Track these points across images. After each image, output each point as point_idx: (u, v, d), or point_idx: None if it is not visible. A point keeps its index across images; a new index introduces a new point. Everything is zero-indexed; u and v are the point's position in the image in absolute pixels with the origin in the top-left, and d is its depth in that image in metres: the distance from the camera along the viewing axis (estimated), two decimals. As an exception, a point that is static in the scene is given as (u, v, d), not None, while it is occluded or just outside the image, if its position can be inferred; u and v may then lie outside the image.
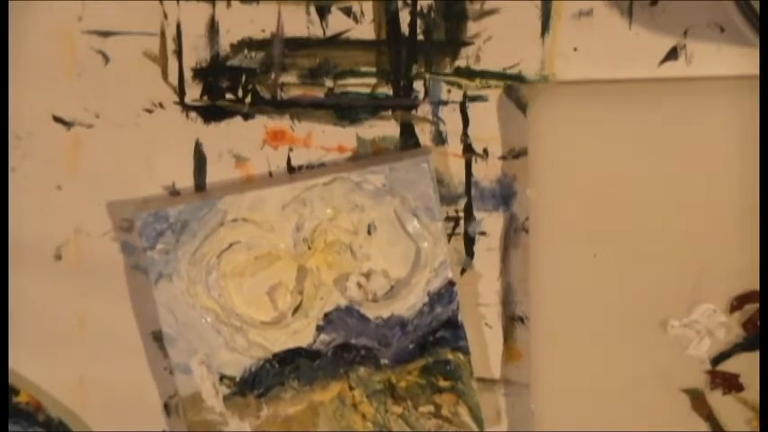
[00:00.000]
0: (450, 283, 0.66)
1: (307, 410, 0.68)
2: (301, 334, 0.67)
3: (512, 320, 0.68)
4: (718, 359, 0.65)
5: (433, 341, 0.67)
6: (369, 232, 0.67)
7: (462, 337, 0.67)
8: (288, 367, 0.67)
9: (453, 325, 0.67)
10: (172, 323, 0.67)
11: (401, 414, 0.68)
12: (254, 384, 0.68)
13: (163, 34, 0.68)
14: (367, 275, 0.67)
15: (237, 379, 0.68)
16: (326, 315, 0.67)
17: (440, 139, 0.67)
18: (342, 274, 0.67)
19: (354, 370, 0.67)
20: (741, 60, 0.65)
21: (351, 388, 0.68)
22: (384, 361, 0.67)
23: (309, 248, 0.67)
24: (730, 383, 0.65)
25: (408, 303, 0.67)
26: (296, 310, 0.67)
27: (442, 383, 0.67)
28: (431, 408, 0.68)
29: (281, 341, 0.67)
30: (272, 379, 0.68)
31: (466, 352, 0.67)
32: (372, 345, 0.67)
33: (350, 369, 0.67)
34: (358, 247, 0.67)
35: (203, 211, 0.66)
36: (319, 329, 0.67)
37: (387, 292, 0.67)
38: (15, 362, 0.70)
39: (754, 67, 0.64)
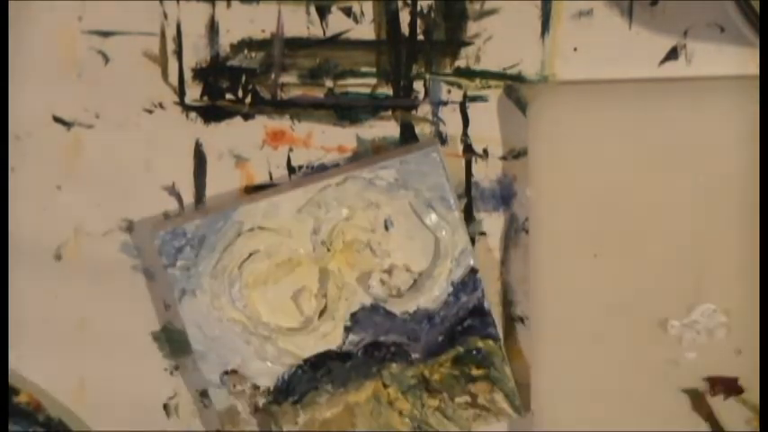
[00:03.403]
0: (473, 271, 0.66)
1: (343, 412, 0.68)
2: (330, 337, 0.67)
3: (512, 320, 0.68)
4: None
5: (462, 330, 0.67)
6: (386, 228, 0.67)
7: (491, 323, 0.67)
8: (320, 371, 0.67)
9: (480, 312, 0.67)
10: (200, 339, 0.67)
11: (438, 407, 0.68)
12: (289, 391, 0.68)
13: (163, 34, 0.68)
14: (389, 271, 0.67)
15: (272, 388, 0.68)
16: (353, 315, 0.67)
17: (440, 139, 0.67)
18: (363, 272, 0.67)
19: (386, 367, 0.67)
20: (741, 60, 0.65)
21: (385, 386, 0.68)
22: (415, 355, 0.67)
23: (329, 250, 0.67)
24: (730, 387, 0.65)
25: (433, 295, 0.67)
26: (322, 313, 0.67)
27: (476, 372, 0.67)
28: (467, 398, 0.67)
29: (311, 346, 0.67)
30: (306, 384, 0.68)
31: (496, 338, 0.67)
32: (402, 340, 0.67)
33: (382, 367, 0.67)
34: (377, 244, 0.67)
35: (219, 224, 0.66)
36: (347, 330, 0.67)
37: (410, 287, 0.67)
38: (15, 362, 0.70)
39: (754, 67, 0.64)
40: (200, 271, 0.67)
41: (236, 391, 0.67)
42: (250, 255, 0.67)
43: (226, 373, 0.67)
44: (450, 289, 0.67)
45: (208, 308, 0.67)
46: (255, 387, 0.68)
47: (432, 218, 0.66)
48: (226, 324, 0.67)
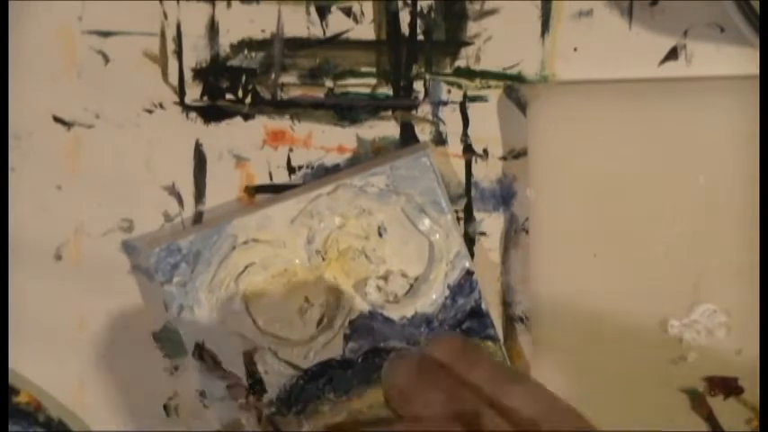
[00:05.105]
0: (469, 273, 0.66)
1: (347, 420, 0.68)
2: (330, 346, 0.67)
3: (512, 320, 0.68)
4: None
5: (461, 333, 0.67)
6: (380, 234, 0.67)
7: (489, 325, 0.67)
8: (321, 380, 0.67)
9: (478, 314, 0.67)
10: (201, 353, 0.67)
11: None
12: (292, 402, 0.68)
13: (163, 34, 0.68)
14: (385, 278, 0.67)
15: (274, 399, 0.68)
16: (351, 323, 0.67)
17: (440, 139, 0.67)
18: (360, 280, 0.67)
19: None
20: (741, 60, 0.65)
21: None
22: None
23: (324, 259, 0.67)
24: (729, 387, 0.65)
25: (430, 299, 0.67)
26: (320, 322, 0.67)
27: None
28: None
29: (311, 355, 0.67)
30: (309, 394, 0.67)
31: (495, 339, 0.67)
32: (401, 346, 0.67)
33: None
34: (372, 251, 0.67)
35: (214, 238, 0.66)
36: (347, 338, 0.67)
37: (407, 292, 0.67)
38: (15, 362, 0.70)
39: (754, 67, 0.64)
40: (197, 286, 0.67)
41: (240, 403, 0.67)
42: (246, 267, 0.67)
43: (228, 386, 0.67)
44: (447, 292, 0.67)
45: (207, 322, 0.67)
46: (259, 399, 0.68)
47: (425, 222, 0.66)
48: (225, 337, 0.67)
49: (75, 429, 0.71)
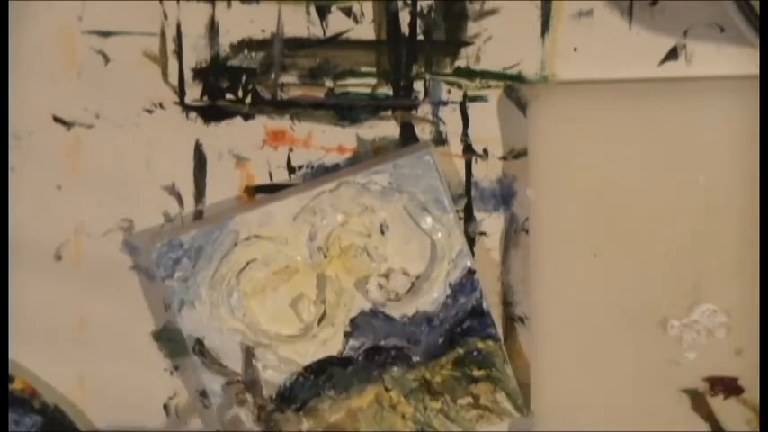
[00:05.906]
0: (471, 272, 0.66)
1: (346, 418, 0.68)
2: (330, 343, 0.67)
3: (512, 320, 0.68)
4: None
5: (462, 332, 0.67)
6: (382, 232, 0.67)
7: (490, 324, 0.67)
8: (321, 377, 0.67)
9: (479, 313, 0.67)
10: (200, 349, 0.67)
11: (440, 409, 0.68)
12: (291, 398, 0.68)
13: (163, 34, 0.68)
14: (386, 276, 0.67)
15: (274, 395, 0.68)
16: (352, 321, 0.67)
17: (440, 139, 0.67)
18: (361, 277, 0.67)
19: (388, 371, 0.67)
20: (741, 60, 0.65)
21: (387, 390, 0.68)
22: (416, 358, 0.67)
23: (325, 256, 0.67)
24: (730, 387, 0.65)
25: (431, 298, 0.67)
26: (321, 319, 0.67)
27: (477, 373, 0.67)
28: (469, 399, 0.67)
29: (311, 352, 0.67)
30: (308, 391, 0.68)
31: (496, 339, 0.67)
32: (402, 344, 0.67)
33: (383, 371, 0.67)
34: (373, 249, 0.67)
35: (215, 234, 0.66)
36: (347, 336, 0.67)
37: (408, 290, 0.67)
38: (15, 362, 0.70)
39: (754, 67, 0.64)
40: (198, 281, 0.67)
41: (239, 399, 0.67)
42: (247, 263, 0.67)
43: (228, 382, 0.67)
44: (449, 291, 0.67)
45: (207, 318, 0.67)
46: (258, 395, 0.67)
47: (427, 221, 0.66)
48: (226, 333, 0.67)
49: (73, 418, 0.70)
